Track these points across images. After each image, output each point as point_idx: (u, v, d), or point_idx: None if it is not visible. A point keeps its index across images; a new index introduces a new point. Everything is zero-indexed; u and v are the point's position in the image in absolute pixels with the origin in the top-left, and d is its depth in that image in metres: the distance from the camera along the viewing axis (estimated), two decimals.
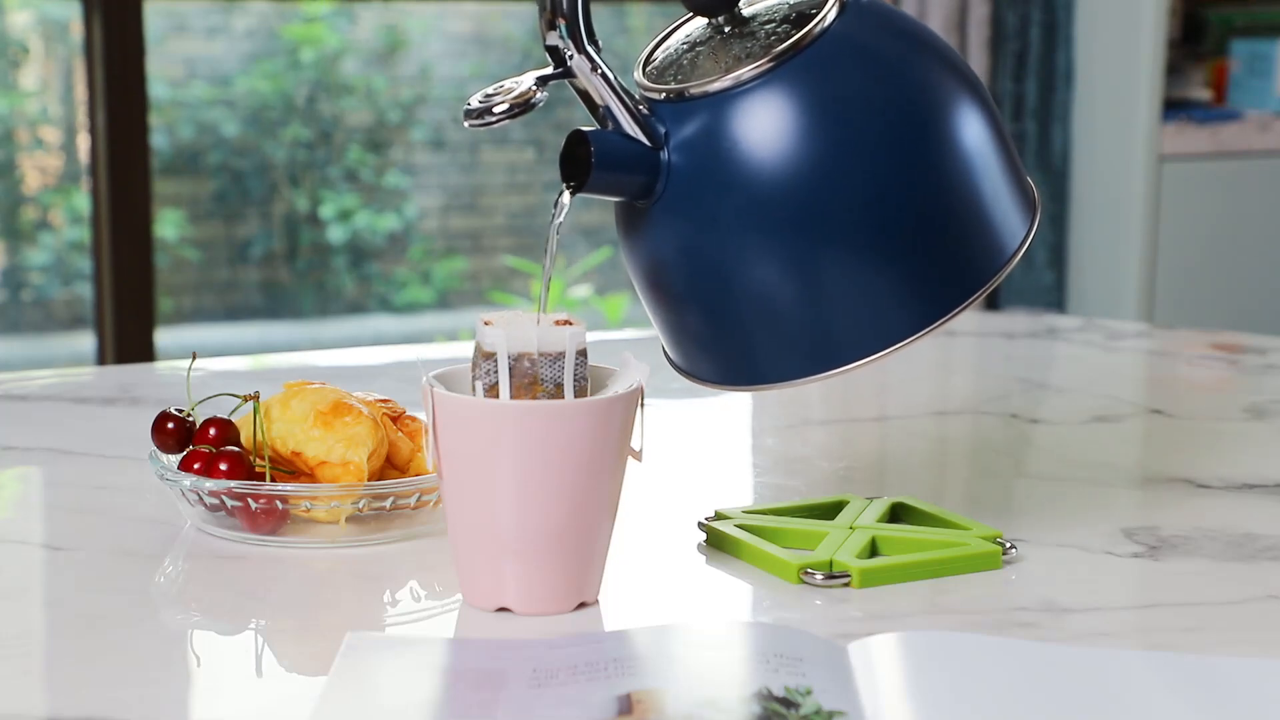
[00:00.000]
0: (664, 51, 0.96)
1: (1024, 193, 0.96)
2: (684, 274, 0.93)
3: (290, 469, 1.00)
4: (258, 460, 1.00)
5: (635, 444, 0.89)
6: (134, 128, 2.93)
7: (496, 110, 0.90)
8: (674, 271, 0.93)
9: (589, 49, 0.90)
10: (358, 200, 4.02)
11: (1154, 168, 3.27)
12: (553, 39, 0.90)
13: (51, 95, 3.74)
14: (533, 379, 0.86)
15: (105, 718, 0.74)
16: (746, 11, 0.95)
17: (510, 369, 0.86)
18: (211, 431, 1.00)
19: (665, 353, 0.99)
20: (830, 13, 0.92)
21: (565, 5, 0.90)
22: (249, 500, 0.97)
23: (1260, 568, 0.96)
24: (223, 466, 0.98)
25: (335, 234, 4.01)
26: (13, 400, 1.36)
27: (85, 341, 3.65)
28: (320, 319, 4.07)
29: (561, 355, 0.86)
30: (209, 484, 0.97)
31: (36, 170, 3.75)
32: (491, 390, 0.86)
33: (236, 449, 0.99)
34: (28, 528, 1.03)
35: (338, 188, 4.00)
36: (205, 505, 0.98)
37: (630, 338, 1.72)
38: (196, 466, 0.99)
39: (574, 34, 0.90)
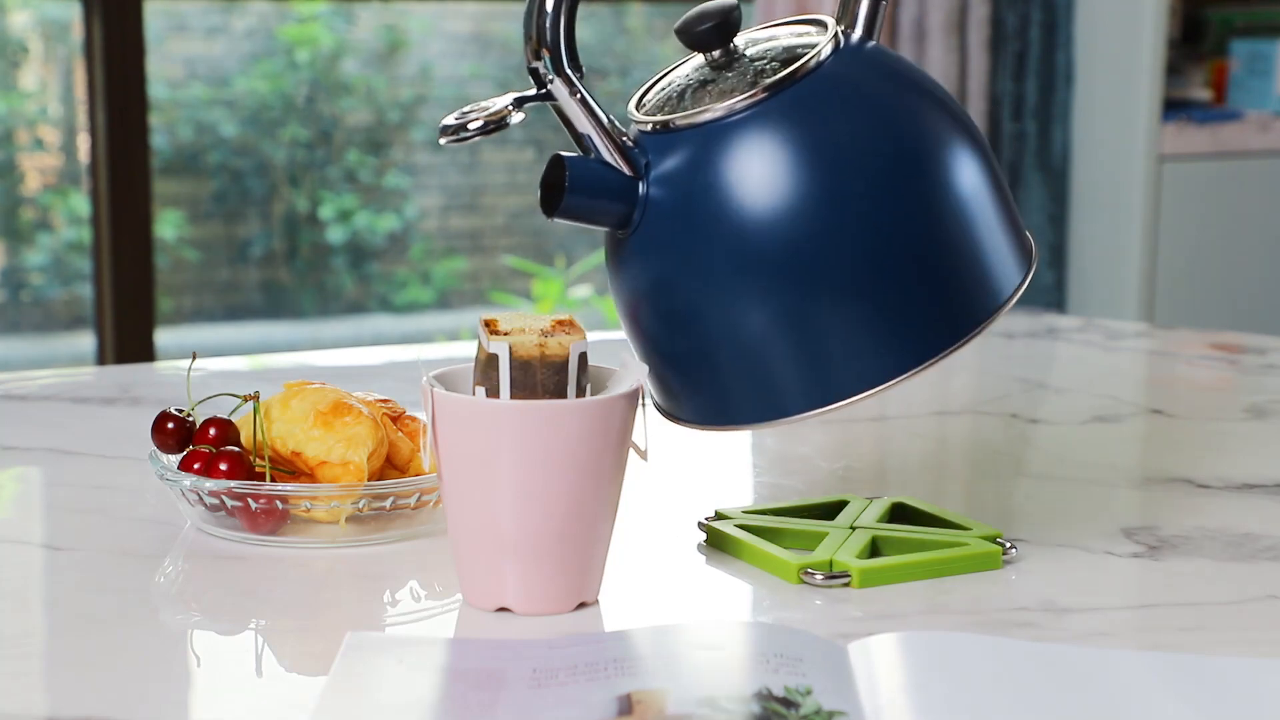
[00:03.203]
0: (658, 89, 0.95)
1: (1020, 242, 0.94)
2: (659, 307, 0.91)
3: (290, 469, 1.00)
4: (258, 460, 1.00)
5: (640, 443, 0.89)
6: (134, 128, 2.93)
7: (471, 127, 0.89)
8: (649, 304, 0.92)
9: (570, 73, 0.90)
10: (357, 200, 4.02)
11: (1154, 168, 3.28)
12: (533, 63, 0.90)
13: (51, 95, 3.74)
14: (534, 389, 0.86)
15: (105, 718, 0.74)
16: (743, 50, 0.94)
17: (511, 379, 0.86)
18: (211, 431, 1.00)
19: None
20: (824, 50, 0.91)
21: (549, 35, 0.89)
22: (249, 500, 0.97)
23: (1260, 568, 0.96)
24: (223, 466, 0.98)
25: (335, 234, 4.01)
26: (13, 400, 1.36)
27: (85, 341, 3.65)
28: (320, 319, 4.07)
29: (565, 364, 0.86)
30: (209, 484, 0.97)
31: (36, 171, 3.75)
32: (492, 393, 0.86)
33: (236, 449, 0.99)
34: (28, 528, 1.03)
35: (337, 188, 4.00)
36: (205, 505, 0.98)
37: None
38: (196, 466, 0.99)
39: (555, 60, 0.89)
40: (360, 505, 0.98)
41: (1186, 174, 3.31)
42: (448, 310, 4.18)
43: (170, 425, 1.02)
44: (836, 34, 0.92)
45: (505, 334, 0.87)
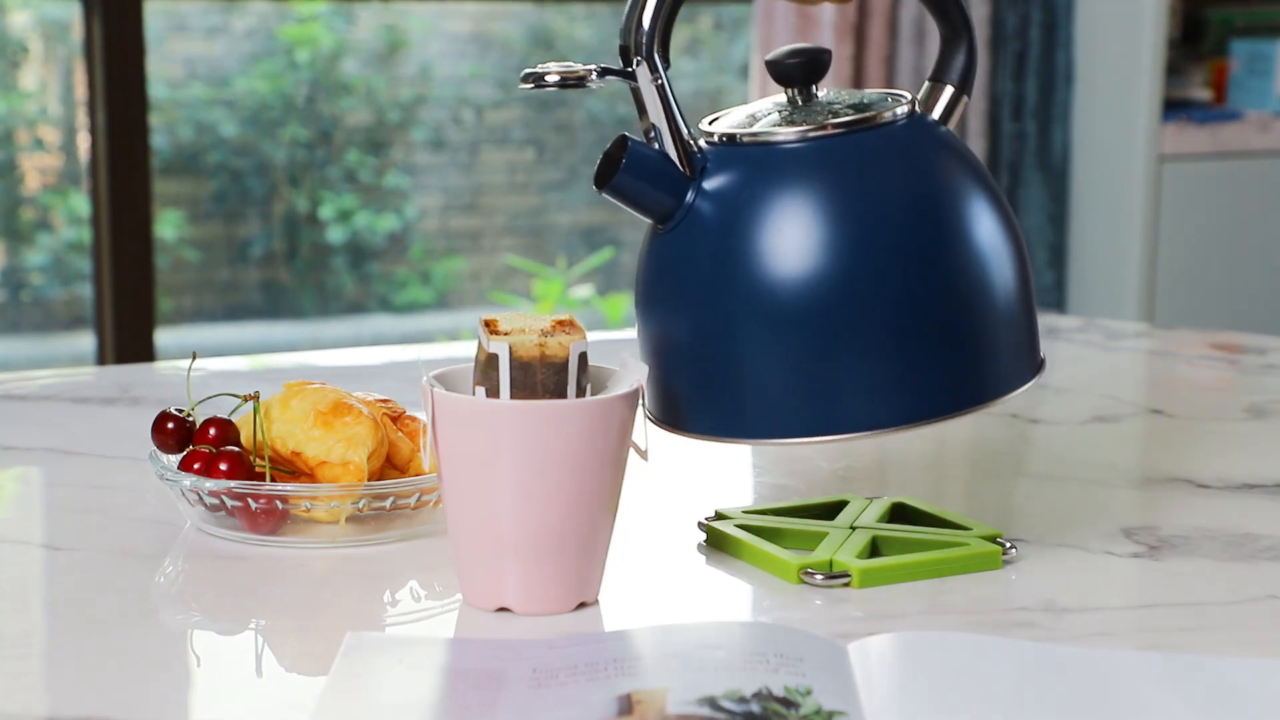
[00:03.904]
0: (733, 113, 0.98)
1: (1032, 350, 0.96)
2: (675, 307, 0.93)
3: (290, 469, 1.00)
4: (258, 460, 1.00)
5: (640, 442, 0.89)
6: (134, 128, 2.93)
7: (549, 79, 0.91)
8: (667, 302, 0.93)
9: (657, 61, 0.92)
10: (357, 200, 4.02)
11: (1154, 168, 3.28)
12: (625, 39, 0.92)
13: (51, 95, 3.74)
14: (534, 389, 0.86)
15: (105, 718, 0.74)
16: (822, 96, 0.96)
17: (511, 379, 0.86)
18: (211, 431, 1.00)
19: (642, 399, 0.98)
20: (898, 112, 0.93)
21: (649, 20, 0.92)
22: (249, 500, 0.97)
23: (1260, 568, 0.96)
24: (223, 466, 0.98)
25: (335, 234, 4.01)
26: (13, 400, 1.36)
27: (85, 341, 3.65)
28: (320, 319, 4.07)
29: (565, 364, 0.86)
30: (209, 484, 0.97)
31: (36, 171, 3.75)
32: (492, 393, 0.86)
33: (236, 449, 0.99)
34: (28, 528, 1.03)
35: (337, 188, 4.00)
36: (205, 505, 0.98)
37: (630, 338, 1.72)
38: (196, 466, 0.99)
39: (648, 45, 0.92)
40: (360, 505, 0.98)
41: (1186, 174, 3.31)
42: (448, 310, 4.18)
43: (170, 425, 1.02)
44: (914, 106, 0.95)
45: (505, 334, 0.87)
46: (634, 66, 0.92)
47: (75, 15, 3.57)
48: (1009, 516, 1.05)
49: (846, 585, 0.92)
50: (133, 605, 0.89)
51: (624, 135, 0.92)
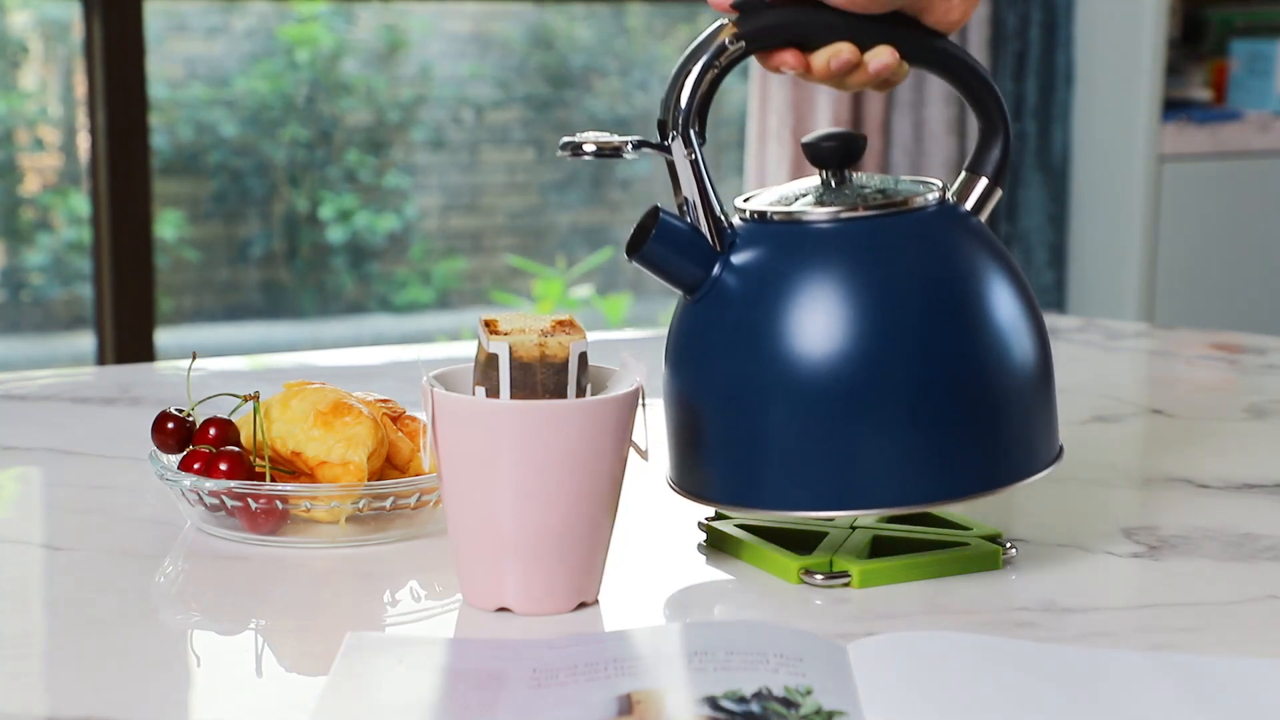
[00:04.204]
0: (767, 192, 0.99)
1: (1049, 436, 0.96)
2: (698, 375, 0.94)
3: (290, 469, 1.00)
4: (258, 460, 1.00)
5: (640, 442, 0.89)
6: (134, 128, 2.93)
7: (586, 149, 0.93)
8: (691, 370, 0.94)
9: (692, 137, 0.94)
10: (357, 200, 4.02)
11: (1154, 168, 3.28)
12: (663, 113, 0.94)
13: (51, 95, 3.74)
14: (534, 389, 0.86)
15: (105, 718, 0.74)
16: (856, 180, 0.97)
17: (511, 379, 0.86)
18: (211, 431, 1.00)
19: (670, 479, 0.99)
20: (930, 199, 0.94)
21: (686, 97, 0.93)
22: (249, 500, 0.97)
23: (1260, 568, 0.96)
24: (223, 466, 0.98)
25: (335, 234, 4.01)
26: (13, 400, 1.36)
27: (85, 341, 3.65)
28: (320, 319, 4.07)
29: (565, 364, 0.86)
30: (209, 484, 0.97)
31: (36, 171, 3.75)
32: (492, 393, 0.86)
33: (236, 449, 0.99)
34: (28, 528, 1.03)
35: (337, 188, 4.00)
36: (205, 505, 0.98)
37: (630, 338, 1.72)
38: (196, 466, 0.99)
39: (685, 121, 0.93)
40: (360, 505, 0.98)
41: (1186, 174, 3.31)
42: (448, 310, 4.18)
43: (170, 425, 1.02)
44: (945, 194, 0.96)
45: (505, 334, 0.87)
46: (670, 141, 0.94)
47: (75, 15, 3.57)
48: (1009, 516, 1.05)
49: (846, 585, 0.92)
50: (133, 605, 0.89)
51: (656, 206, 0.94)
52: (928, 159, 3.25)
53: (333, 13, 3.97)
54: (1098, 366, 1.56)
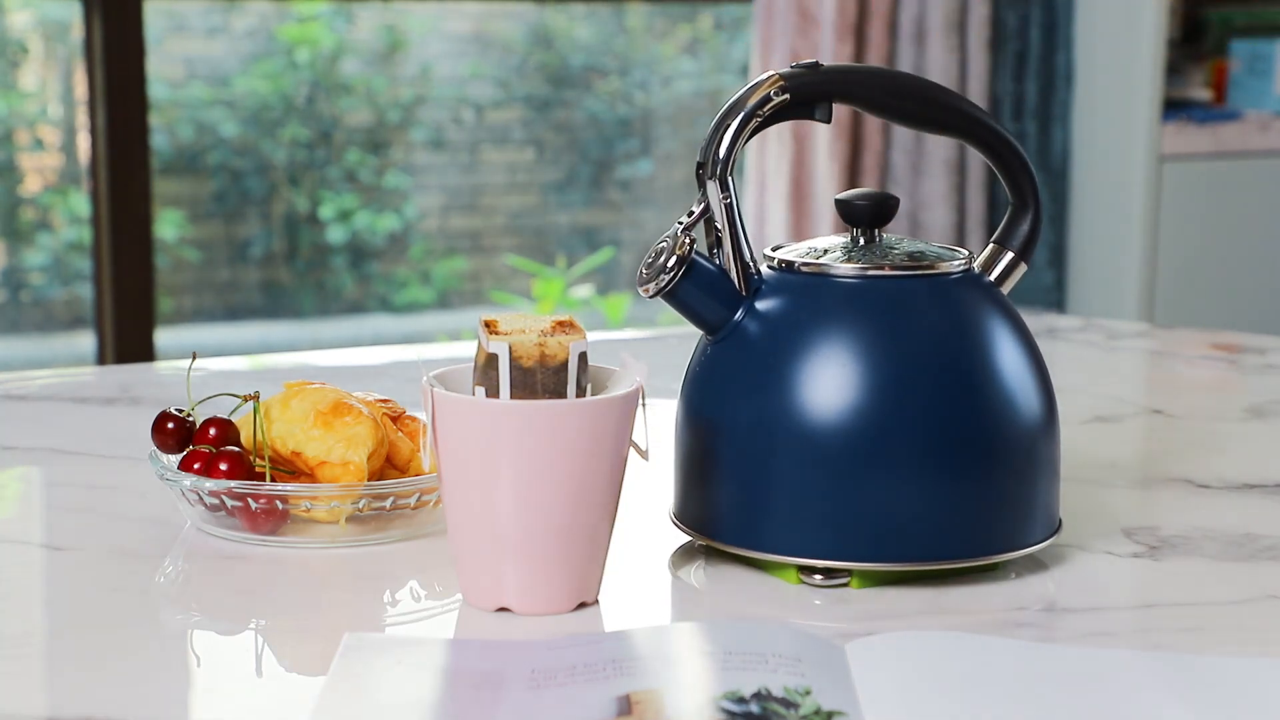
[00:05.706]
0: (793, 246, 1.00)
1: (1051, 507, 0.96)
2: (711, 414, 0.95)
3: (290, 469, 1.00)
4: (258, 460, 1.00)
5: (640, 442, 0.89)
6: (134, 128, 2.93)
7: (665, 276, 0.94)
8: (705, 409, 0.95)
9: (729, 182, 0.95)
10: (357, 200, 4.02)
11: (1154, 168, 3.28)
12: (703, 157, 0.95)
13: (51, 95, 3.74)
14: (534, 389, 0.86)
15: (105, 718, 0.74)
16: (886, 241, 0.98)
17: (511, 379, 0.86)
18: (211, 431, 1.00)
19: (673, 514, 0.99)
20: (955, 266, 0.96)
21: (725, 146, 0.95)
22: (249, 500, 0.97)
23: (1260, 568, 0.96)
24: (223, 466, 0.98)
25: (335, 234, 4.01)
26: (13, 400, 1.36)
27: (85, 341, 3.64)
28: (320, 319, 4.07)
29: (565, 364, 0.86)
30: (209, 484, 0.97)
31: (36, 171, 3.75)
32: (492, 393, 0.86)
33: (236, 449, 0.99)
34: (28, 528, 1.03)
35: (337, 188, 4.00)
36: (205, 505, 0.98)
37: (630, 338, 1.72)
38: (196, 466, 0.99)
39: (723, 168, 0.95)
40: (360, 505, 0.98)
41: (1186, 174, 3.31)
42: (448, 310, 4.17)
43: (170, 425, 1.02)
44: (971, 263, 0.98)
45: (505, 334, 0.87)
46: (706, 184, 0.95)
47: (75, 15, 3.57)
48: None
49: (846, 585, 0.92)
50: (133, 605, 0.89)
51: (692, 241, 0.95)
52: (928, 159, 3.25)
53: (333, 13, 3.97)
54: (1098, 366, 1.56)
